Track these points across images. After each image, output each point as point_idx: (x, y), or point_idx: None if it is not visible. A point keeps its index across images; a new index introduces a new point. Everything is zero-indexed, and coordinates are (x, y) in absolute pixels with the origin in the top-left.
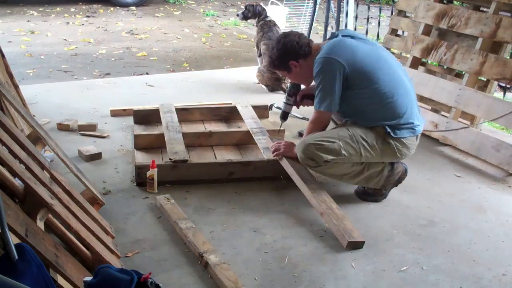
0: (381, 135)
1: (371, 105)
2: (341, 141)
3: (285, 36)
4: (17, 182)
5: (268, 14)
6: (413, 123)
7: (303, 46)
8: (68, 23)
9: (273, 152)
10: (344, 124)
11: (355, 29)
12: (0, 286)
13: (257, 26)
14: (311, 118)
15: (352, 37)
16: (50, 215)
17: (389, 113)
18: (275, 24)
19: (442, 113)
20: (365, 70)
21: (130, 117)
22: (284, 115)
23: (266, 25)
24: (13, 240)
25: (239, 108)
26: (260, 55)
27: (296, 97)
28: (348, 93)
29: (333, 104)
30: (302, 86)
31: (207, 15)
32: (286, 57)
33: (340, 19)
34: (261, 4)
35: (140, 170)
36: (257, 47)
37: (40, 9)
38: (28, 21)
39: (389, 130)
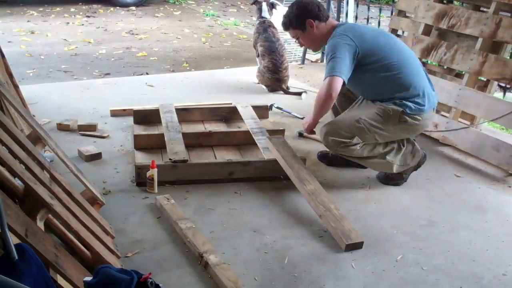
0: (395, 115)
1: (384, 78)
2: (358, 137)
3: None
4: (17, 182)
5: (264, 15)
6: (424, 91)
7: (322, 11)
8: (68, 23)
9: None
10: (357, 107)
11: None
12: (0, 286)
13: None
14: (321, 86)
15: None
16: (50, 215)
17: (401, 83)
18: (270, 25)
19: (442, 113)
20: (375, 46)
21: (130, 117)
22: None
23: (261, 26)
24: (13, 240)
25: (239, 108)
26: (258, 56)
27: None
28: (361, 69)
29: (345, 72)
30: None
31: (207, 15)
32: (306, 14)
33: (340, 19)
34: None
35: (140, 170)
36: (255, 48)
37: (40, 9)
38: (28, 21)
39: (402, 106)
